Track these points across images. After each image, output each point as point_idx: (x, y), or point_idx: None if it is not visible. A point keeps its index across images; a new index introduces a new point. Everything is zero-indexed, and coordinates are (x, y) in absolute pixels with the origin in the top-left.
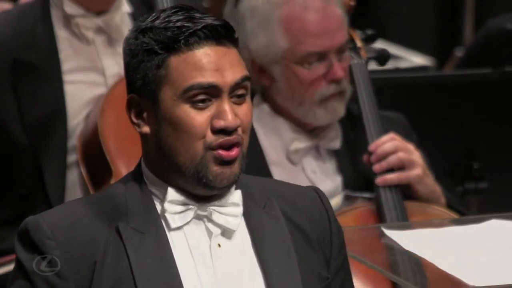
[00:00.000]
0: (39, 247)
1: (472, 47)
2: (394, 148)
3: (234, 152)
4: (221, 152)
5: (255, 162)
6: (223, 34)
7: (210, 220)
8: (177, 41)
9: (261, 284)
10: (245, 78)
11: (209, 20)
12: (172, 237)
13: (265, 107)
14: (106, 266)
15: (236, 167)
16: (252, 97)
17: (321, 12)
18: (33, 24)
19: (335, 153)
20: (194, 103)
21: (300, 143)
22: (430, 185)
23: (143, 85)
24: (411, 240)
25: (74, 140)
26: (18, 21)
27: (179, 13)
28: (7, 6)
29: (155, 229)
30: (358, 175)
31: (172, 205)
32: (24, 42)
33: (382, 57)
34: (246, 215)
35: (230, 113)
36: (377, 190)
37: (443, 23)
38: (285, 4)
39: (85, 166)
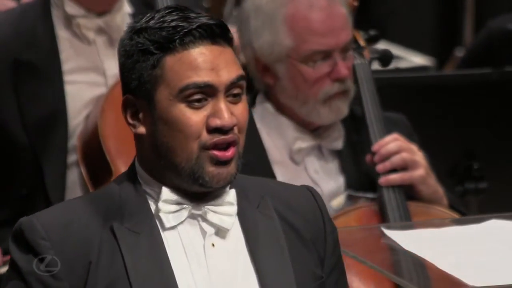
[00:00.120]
0: (34, 247)
1: (473, 47)
2: (397, 149)
3: (230, 152)
4: (216, 152)
5: (258, 161)
6: (218, 34)
7: (205, 219)
8: (172, 41)
9: (254, 284)
10: (241, 77)
11: (204, 20)
12: (166, 236)
13: (268, 106)
14: (100, 266)
15: (232, 167)
16: (254, 96)
17: (326, 10)
18: (34, 24)
19: (337, 153)
20: (190, 103)
21: (303, 142)
22: (433, 185)
23: (139, 85)
24: (411, 240)
25: (74, 140)
26: (19, 21)
27: (174, 13)
28: (10, 3)
29: (149, 229)
30: (361, 175)
31: (166, 205)
32: (24, 42)
33: (385, 58)
34: (240, 214)
35: (226, 112)
36: (380, 190)
37: (443, 23)
38: (289, 3)
39: (85, 166)
